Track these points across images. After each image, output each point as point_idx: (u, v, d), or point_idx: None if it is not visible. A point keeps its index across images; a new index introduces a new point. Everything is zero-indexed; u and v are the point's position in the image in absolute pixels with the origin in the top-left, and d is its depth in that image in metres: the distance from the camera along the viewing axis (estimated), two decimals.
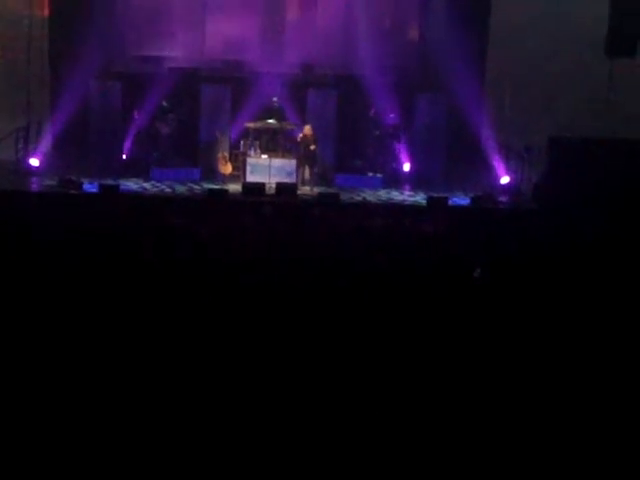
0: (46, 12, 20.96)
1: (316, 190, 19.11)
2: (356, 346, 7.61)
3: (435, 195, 18.43)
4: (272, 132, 19.97)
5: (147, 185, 19.22)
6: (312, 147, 19.34)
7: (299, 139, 19.46)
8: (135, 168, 20.05)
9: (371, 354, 7.48)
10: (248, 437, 6.09)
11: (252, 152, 19.70)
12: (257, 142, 19.79)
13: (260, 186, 18.51)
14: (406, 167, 20.74)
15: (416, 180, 20.39)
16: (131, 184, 19.06)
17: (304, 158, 19.43)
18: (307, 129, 19.42)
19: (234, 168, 19.92)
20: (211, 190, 18.22)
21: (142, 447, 5.92)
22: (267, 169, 19.40)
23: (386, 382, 6.96)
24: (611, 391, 6.92)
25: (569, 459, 6.02)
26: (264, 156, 19.64)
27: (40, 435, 5.98)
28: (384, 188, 20.01)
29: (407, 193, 19.80)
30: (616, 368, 7.40)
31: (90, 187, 18.08)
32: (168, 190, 18.80)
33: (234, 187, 18.84)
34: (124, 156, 20.36)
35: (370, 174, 20.58)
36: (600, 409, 6.61)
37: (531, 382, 7.05)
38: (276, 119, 19.94)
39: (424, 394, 6.79)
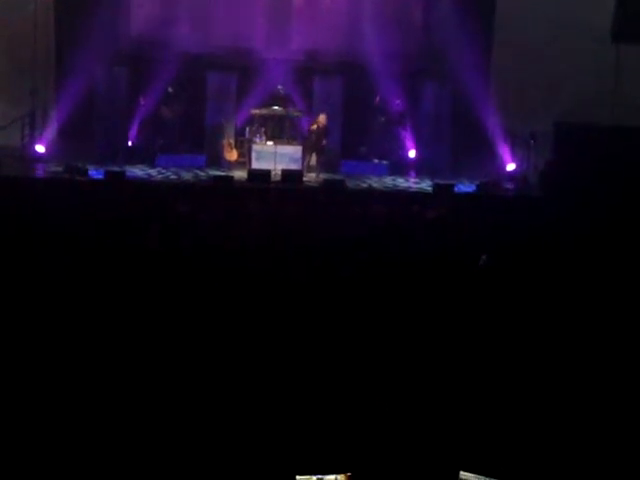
0: None
1: (322, 177, 19.09)
2: (361, 332, 7.62)
3: (441, 182, 18.41)
4: (278, 119, 19.96)
5: (153, 172, 19.23)
6: (324, 142, 19.32)
7: (313, 128, 19.38)
8: (141, 154, 20.06)
9: (376, 340, 7.48)
10: (252, 421, 6.10)
11: (258, 139, 19.68)
12: (263, 129, 19.77)
13: (266, 173, 18.49)
14: (412, 154, 20.72)
15: (422, 167, 20.38)
16: (137, 170, 19.07)
17: (312, 147, 19.37)
18: (322, 119, 19.34)
19: (240, 155, 19.94)
20: (216, 177, 18.22)
21: (143, 438, 5.94)
22: (273, 156, 19.36)
23: (392, 369, 6.97)
24: (618, 384, 6.92)
25: (574, 452, 6.03)
26: (270, 143, 19.62)
27: (40, 428, 6.00)
28: (390, 175, 20.03)
29: (413, 180, 19.79)
30: (622, 358, 7.39)
31: (96, 174, 18.07)
32: (174, 177, 18.80)
33: (239, 174, 18.83)
34: (130, 142, 20.36)
35: (376, 161, 20.58)
36: (606, 402, 6.61)
37: (536, 371, 7.05)
38: (282, 106, 19.93)
39: (428, 382, 6.80)
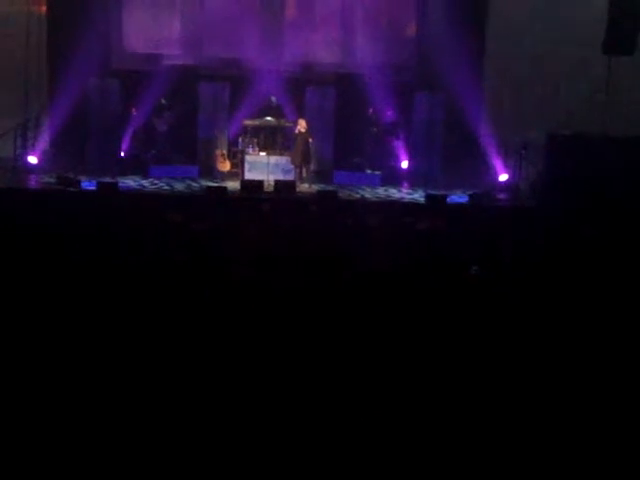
0: (44, 9, 20.96)
1: (314, 187, 19.12)
2: (354, 343, 7.61)
3: (433, 192, 18.45)
4: (270, 130, 20.03)
5: (145, 183, 19.23)
6: (311, 140, 19.30)
7: (296, 133, 19.33)
8: (133, 166, 20.06)
9: (369, 350, 7.48)
10: (248, 434, 6.09)
11: (250, 149, 19.73)
12: (255, 139, 19.83)
13: (258, 183, 18.53)
14: (404, 164, 20.76)
15: (414, 177, 20.41)
16: (129, 182, 19.07)
17: (301, 152, 19.30)
18: (303, 122, 19.31)
19: (232, 165, 19.96)
20: (209, 187, 18.23)
21: (142, 445, 5.93)
22: (265, 166, 19.44)
23: (384, 379, 6.96)
24: (611, 392, 6.92)
25: (569, 458, 6.02)
26: (262, 153, 19.68)
27: (40, 431, 5.98)
28: (382, 185, 20.04)
29: (405, 190, 19.82)
30: (616, 371, 7.39)
31: (88, 185, 18.07)
32: (166, 188, 18.81)
33: (232, 184, 18.85)
34: (122, 154, 20.37)
35: (368, 171, 20.59)
36: (597, 410, 6.61)
37: (529, 381, 7.05)
38: (274, 117, 19.97)
39: (421, 392, 6.79)
